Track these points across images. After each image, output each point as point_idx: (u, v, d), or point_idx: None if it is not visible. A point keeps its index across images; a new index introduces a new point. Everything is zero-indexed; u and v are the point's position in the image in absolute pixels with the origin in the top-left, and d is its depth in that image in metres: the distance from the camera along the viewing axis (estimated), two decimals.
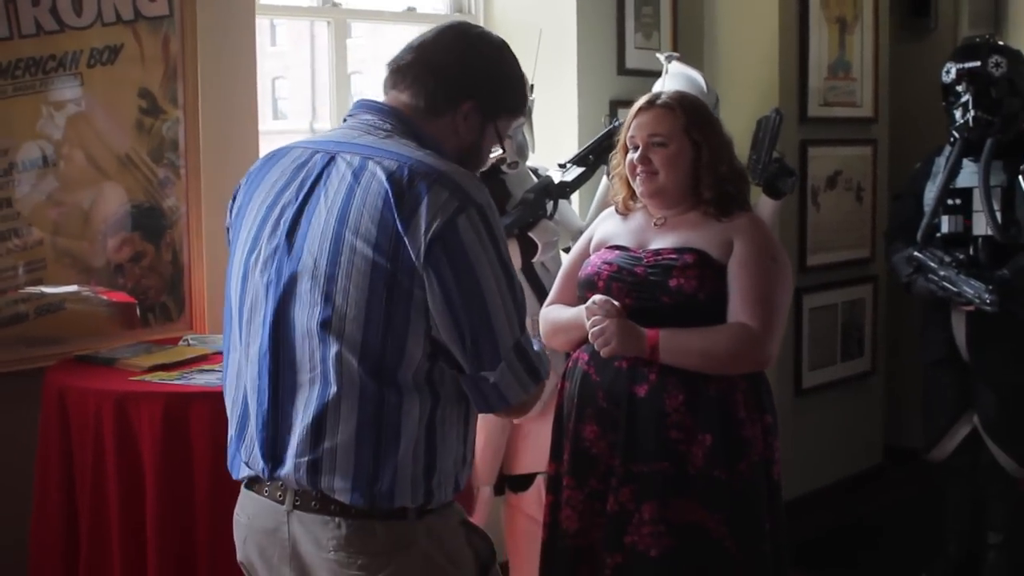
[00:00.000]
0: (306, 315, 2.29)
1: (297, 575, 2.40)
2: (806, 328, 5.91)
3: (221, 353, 3.52)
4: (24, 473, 3.58)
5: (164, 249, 4.05)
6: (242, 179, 2.55)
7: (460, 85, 2.43)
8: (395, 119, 2.41)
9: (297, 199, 2.34)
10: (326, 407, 2.27)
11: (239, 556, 2.56)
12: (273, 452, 2.36)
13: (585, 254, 3.46)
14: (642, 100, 3.40)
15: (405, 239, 2.21)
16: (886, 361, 6.53)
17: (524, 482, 4.32)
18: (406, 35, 6.61)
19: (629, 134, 3.36)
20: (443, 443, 2.34)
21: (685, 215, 3.33)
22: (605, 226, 3.48)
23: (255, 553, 2.50)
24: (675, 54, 5.06)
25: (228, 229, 2.56)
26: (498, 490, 4.37)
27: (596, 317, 3.20)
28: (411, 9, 5.43)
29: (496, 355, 2.30)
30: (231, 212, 2.55)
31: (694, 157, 3.29)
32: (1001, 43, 4.95)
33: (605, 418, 3.25)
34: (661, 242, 3.30)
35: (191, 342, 3.83)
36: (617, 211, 3.46)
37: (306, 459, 2.30)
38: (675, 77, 4.74)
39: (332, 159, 2.34)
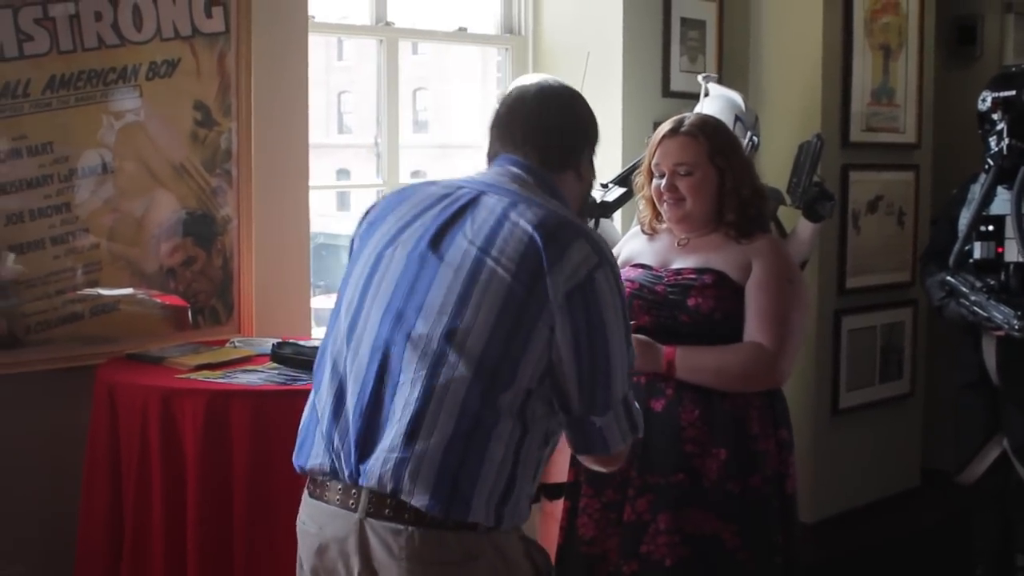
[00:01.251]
0: (431, 321, 2.38)
1: None
2: (844, 349, 6.00)
3: (265, 355, 3.72)
4: (74, 466, 3.76)
5: (215, 255, 4.23)
6: (379, 200, 2.68)
7: (579, 140, 2.65)
8: (533, 174, 2.57)
9: (443, 216, 2.47)
10: (426, 410, 2.35)
11: (307, 566, 2.57)
12: (364, 444, 2.40)
13: None
14: (666, 127, 3.45)
15: (548, 277, 2.35)
16: (925, 384, 6.58)
17: (559, 490, 4.44)
18: (467, 55, 6.80)
19: (655, 161, 3.42)
20: (522, 475, 2.43)
21: (707, 236, 3.39)
22: (632, 244, 3.58)
23: (327, 562, 2.51)
24: (713, 75, 5.19)
25: (352, 241, 2.66)
26: (534, 498, 4.49)
27: None
28: (462, 29, 5.59)
29: (608, 402, 2.45)
30: (360, 225, 2.65)
31: (719, 183, 3.36)
32: None
33: None
34: (682, 262, 3.39)
35: (237, 344, 4.00)
36: (643, 231, 3.56)
37: (396, 455, 2.35)
38: (715, 99, 4.87)
39: (480, 195, 2.50)
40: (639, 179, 3.53)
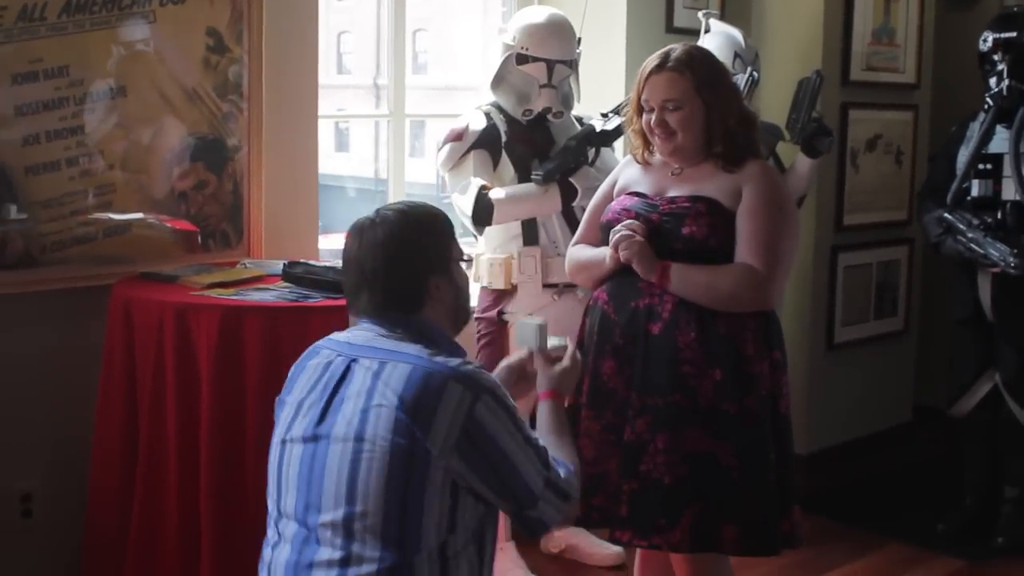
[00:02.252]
0: (331, 510, 2.54)
1: None
2: (840, 285, 6.06)
3: (275, 276, 3.80)
4: (90, 382, 3.87)
5: (226, 180, 4.31)
6: (302, 356, 2.81)
7: (419, 275, 2.71)
8: (396, 327, 2.68)
9: (322, 399, 2.62)
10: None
11: None
12: None
13: (608, 198, 3.61)
14: (653, 61, 3.46)
15: (426, 443, 2.49)
16: (919, 322, 6.65)
17: None
18: None
19: (644, 96, 3.45)
20: None
21: (699, 166, 3.45)
22: (627, 172, 3.63)
23: None
24: (714, 12, 5.26)
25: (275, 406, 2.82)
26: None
27: (625, 232, 3.36)
28: None
29: (532, 496, 2.62)
30: (278, 399, 2.81)
31: (706, 114, 3.40)
32: None
33: (622, 354, 3.38)
34: (677, 190, 3.44)
35: (248, 265, 4.09)
36: (636, 161, 3.60)
37: None
38: (715, 35, 4.94)
39: (351, 364, 2.63)
40: (628, 112, 3.57)
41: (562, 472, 2.71)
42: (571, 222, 4.47)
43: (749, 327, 3.36)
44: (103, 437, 3.75)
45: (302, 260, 3.92)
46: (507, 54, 4.54)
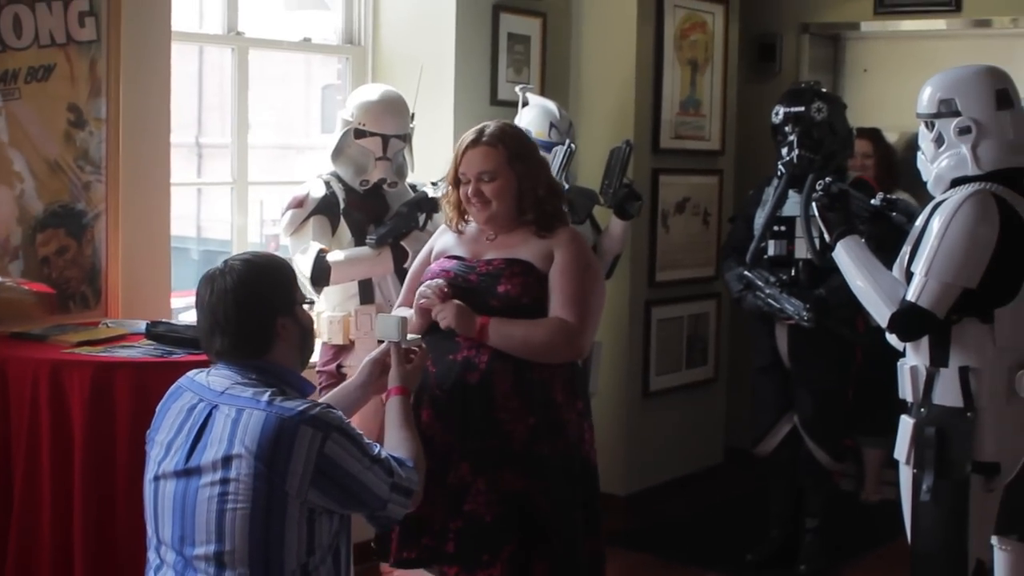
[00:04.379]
0: (203, 545, 2.87)
1: None
2: (654, 337, 6.51)
3: (138, 334, 4.10)
4: None
5: (85, 244, 4.57)
6: (168, 392, 3.13)
7: (263, 320, 3.02)
8: (250, 371, 3.00)
9: (188, 442, 2.94)
10: None
11: None
12: None
13: (426, 263, 3.86)
14: (469, 137, 3.72)
15: (284, 484, 2.84)
16: (728, 370, 7.09)
17: None
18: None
19: (461, 169, 3.70)
20: None
21: (512, 232, 3.72)
22: (443, 240, 3.89)
23: None
24: (530, 86, 5.67)
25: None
26: None
27: (427, 300, 3.62)
28: (307, 39, 5.98)
29: (381, 502, 2.99)
30: (148, 436, 3.11)
31: (518, 184, 3.67)
32: (824, 90, 5.52)
33: (438, 403, 3.59)
34: (493, 254, 3.69)
35: (109, 325, 4.36)
36: (451, 230, 3.86)
37: None
38: (532, 107, 5.36)
39: (213, 411, 2.94)
40: (444, 186, 3.84)
41: (404, 472, 3.06)
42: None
43: (559, 376, 3.64)
44: None
45: (163, 320, 4.22)
46: (346, 128, 4.88)
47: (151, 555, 3.03)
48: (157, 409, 3.10)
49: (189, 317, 4.97)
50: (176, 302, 5.07)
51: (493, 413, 3.56)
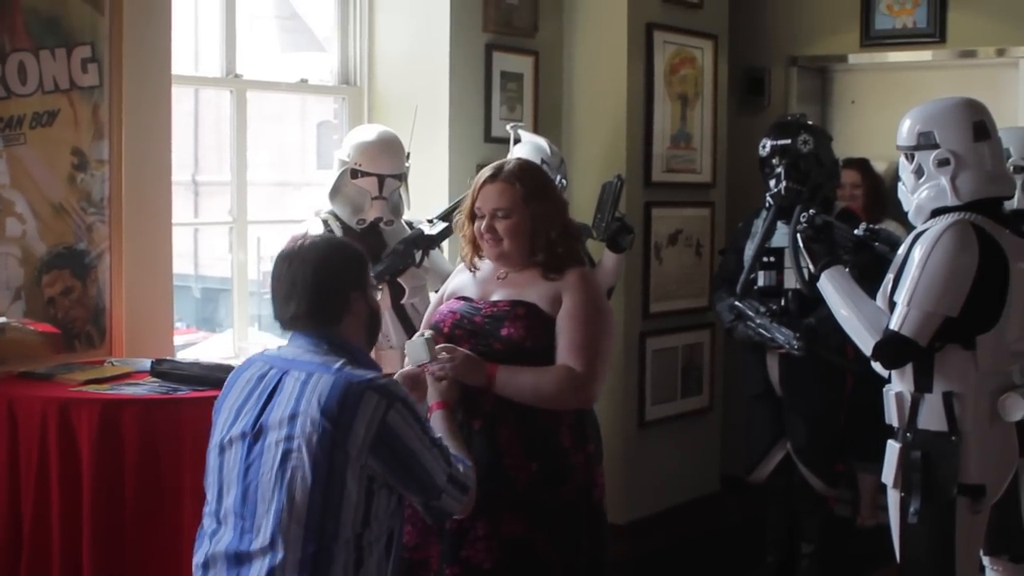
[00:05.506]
0: (266, 498, 2.98)
1: None
2: (649, 367, 6.58)
3: (143, 372, 4.20)
4: None
5: (90, 285, 4.68)
6: (231, 373, 3.26)
7: (338, 293, 3.16)
8: (320, 340, 3.12)
9: (258, 406, 3.07)
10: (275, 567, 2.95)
11: None
12: None
13: (440, 302, 3.87)
14: (487, 172, 3.71)
15: (346, 445, 2.94)
16: (723, 399, 7.16)
17: None
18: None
19: (477, 204, 3.68)
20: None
21: (522, 272, 3.66)
22: (459, 279, 3.88)
23: None
24: (522, 124, 5.77)
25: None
26: None
27: (440, 368, 3.56)
28: (304, 80, 6.10)
29: (436, 490, 3.08)
30: (215, 405, 3.24)
31: (532, 226, 3.63)
32: (810, 122, 5.64)
33: None
34: (500, 295, 3.66)
35: (114, 363, 4.47)
36: (467, 267, 3.85)
37: None
38: (525, 144, 5.45)
39: (283, 376, 3.07)
40: (461, 219, 3.77)
41: (461, 467, 3.17)
42: (401, 318, 4.94)
43: (566, 422, 3.60)
44: None
45: (167, 358, 4.33)
46: (342, 169, 4.98)
47: (207, 521, 3.14)
48: (227, 380, 3.23)
49: (191, 354, 5.09)
50: (177, 339, 5.17)
51: (496, 458, 3.53)
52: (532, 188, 3.67)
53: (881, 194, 6.63)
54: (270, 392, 3.06)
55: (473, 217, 3.71)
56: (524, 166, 3.77)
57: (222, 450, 3.11)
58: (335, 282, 3.14)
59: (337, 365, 3.04)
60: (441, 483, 3.09)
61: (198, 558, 3.12)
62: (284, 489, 2.96)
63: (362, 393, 2.98)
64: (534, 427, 3.55)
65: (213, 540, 3.08)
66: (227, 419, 3.13)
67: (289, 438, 2.97)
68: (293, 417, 2.98)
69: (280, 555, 2.95)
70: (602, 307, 3.68)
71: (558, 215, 3.73)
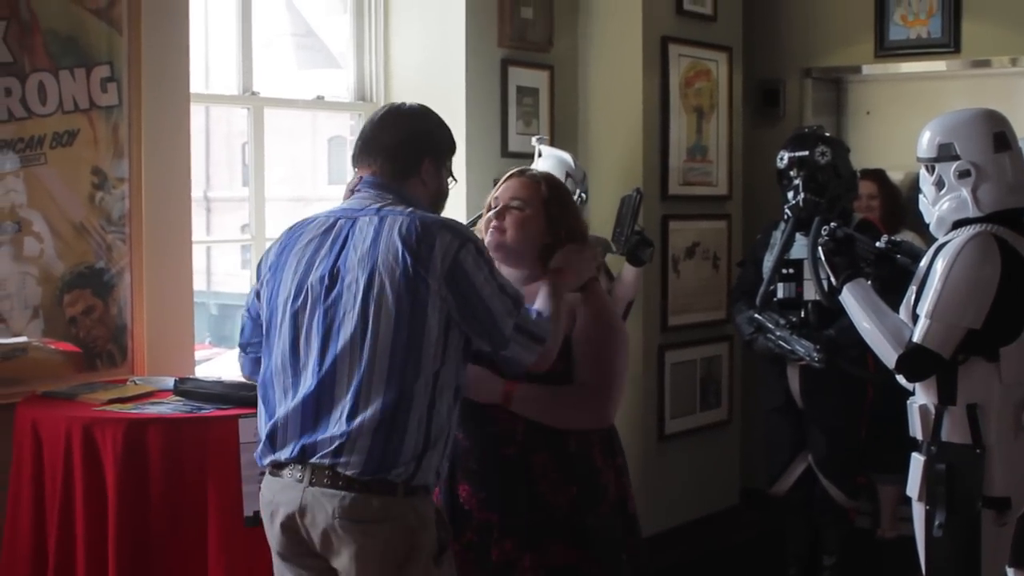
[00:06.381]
0: (348, 335, 3.05)
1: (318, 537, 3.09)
2: (668, 381, 6.60)
3: (166, 391, 4.20)
4: None
5: (111, 304, 4.69)
6: (282, 234, 3.32)
7: (414, 152, 3.26)
8: (386, 188, 3.23)
9: (332, 253, 3.14)
10: (357, 405, 3.02)
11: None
12: (311, 431, 3.07)
13: None
14: (515, 170, 3.65)
15: (425, 275, 3.02)
16: (742, 411, 7.17)
17: None
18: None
19: (496, 195, 3.57)
20: (435, 432, 3.09)
21: (536, 284, 3.45)
22: None
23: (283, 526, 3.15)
24: (545, 138, 5.77)
25: (259, 266, 3.34)
26: None
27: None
28: (320, 97, 6.12)
29: (503, 338, 3.12)
30: (268, 257, 3.31)
31: (548, 230, 3.50)
32: (827, 134, 5.64)
33: (475, 478, 3.46)
34: None
35: (136, 382, 4.47)
36: None
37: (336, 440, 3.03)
38: (547, 158, 5.44)
39: (355, 221, 3.15)
40: (482, 224, 3.60)
41: (533, 318, 3.20)
42: None
43: (595, 442, 3.52)
44: (12, 545, 4.07)
45: (190, 376, 4.34)
46: (350, 187, 4.99)
47: (274, 387, 3.18)
48: (285, 237, 3.29)
49: (208, 369, 5.10)
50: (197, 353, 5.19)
51: (533, 486, 3.44)
52: (556, 196, 3.58)
53: (898, 204, 6.62)
54: (344, 239, 3.13)
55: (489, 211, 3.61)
56: (554, 177, 3.72)
57: (294, 300, 3.15)
58: (414, 141, 3.26)
59: (408, 209, 3.14)
60: (507, 331, 3.12)
61: (262, 432, 3.19)
62: (369, 325, 3.03)
63: (437, 229, 3.08)
64: (568, 451, 3.47)
65: (286, 399, 3.13)
66: (296, 270, 3.18)
67: (371, 275, 3.05)
68: (373, 255, 3.06)
69: (363, 393, 3.02)
70: (616, 323, 3.62)
71: (578, 228, 3.61)
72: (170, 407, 4.03)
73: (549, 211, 3.51)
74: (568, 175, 5.35)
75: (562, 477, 3.43)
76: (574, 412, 3.47)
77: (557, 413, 3.45)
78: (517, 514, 3.40)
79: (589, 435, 3.51)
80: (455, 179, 3.43)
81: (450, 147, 3.39)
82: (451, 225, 3.12)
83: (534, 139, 5.65)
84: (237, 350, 3.52)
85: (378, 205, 3.17)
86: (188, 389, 4.14)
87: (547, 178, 3.61)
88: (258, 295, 3.32)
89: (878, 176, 6.62)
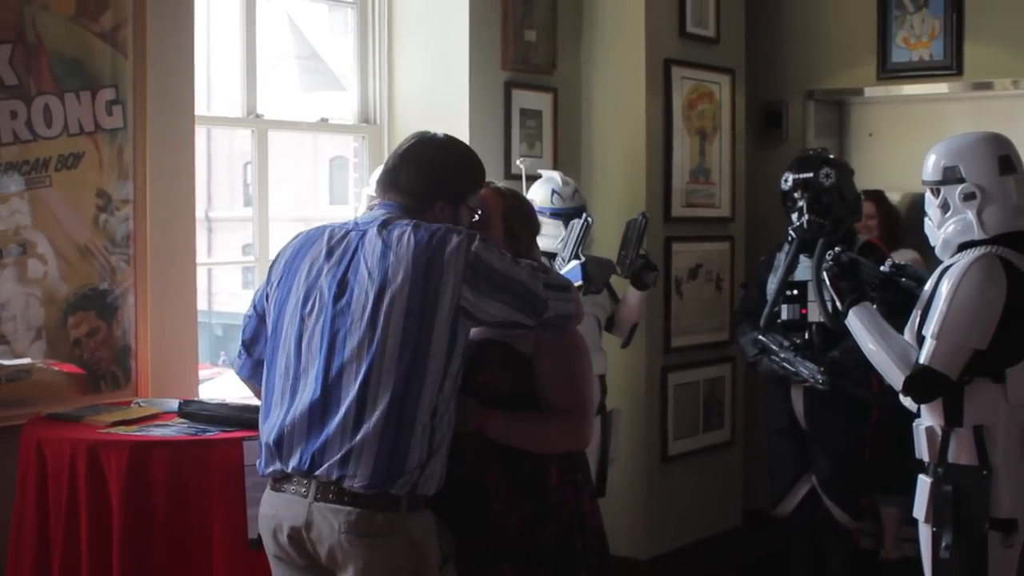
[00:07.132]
0: (355, 343, 3.10)
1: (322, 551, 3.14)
2: (671, 402, 6.59)
3: (170, 413, 4.21)
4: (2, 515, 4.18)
5: (115, 326, 4.70)
6: (296, 239, 3.39)
7: (428, 195, 3.31)
8: (402, 211, 3.29)
9: (342, 263, 3.20)
10: (362, 417, 3.07)
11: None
12: (314, 447, 3.11)
13: None
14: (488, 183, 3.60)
15: (442, 276, 3.11)
16: (744, 432, 7.16)
17: None
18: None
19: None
20: (438, 441, 3.15)
21: None
22: None
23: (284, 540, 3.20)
24: (525, 159, 5.85)
25: (271, 269, 3.39)
26: None
27: None
28: (324, 119, 6.13)
29: (541, 300, 3.21)
30: (279, 260, 3.37)
31: (506, 243, 3.46)
32: (832, 156, 5.63)
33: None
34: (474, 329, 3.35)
35: (140, 404, 4.47)
36: None
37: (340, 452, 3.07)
38: (539, 181, 5.51)
39: (366, 232, 3.22)
40: None
41: (552, 273, 3.35)
42: None
43: (553, 459, 3.44)
44: (17, 568, 4.06)
45: (194, 399, 4.33)
46: (370, 205, 5.00)
47: (278, 393, 3.23)
48: (297, 243, 3.35)
49: (211, 389, 5.10)
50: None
51: (487, 506, 3.36)
52: (517, 207, 3.61)
53: (896, 224, 6.66)
54: (354, 249, 3.20)
55: None
56: (516, 191, 3.77)
57: (303, 305, 3.22)
58: (432, 183, 3.31)
59: (414, 223, 3.21)
60: (540, 291, 3.21)
61: (269, 438, 3.20)
62: (377, 334, 3.09)
63: (446, 234, 3.17)
64: (523, 470, 3.39)
65: (292, 404, 3.17)
66: (307, 276, 3.24)
67: (381, 285, 3.11)
68: (383, 266, 3.13)
69: (370, 401, 3.08)
70: (579, 344, 3.50)
71: (533, 248, 3.62)
72: (174, 429, 4.03)
73: (508, 224, 3.55)
74: (554, 191, 5.39)
75: (516, 496, 3.37)
76: (557, 441, 3.44)
77: (539, 442, 3.42)
78: (467, 536, 3.34)
79: (547, 455, 3.44)
80: (478, 214, 3.44)
81: (470, 186, 3.40)
82: (453, 227, 3.20)
83: (518, 160, 5.68)
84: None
85: (388, 219, 3.23)
86: (192, 411, 4.14)
87: (510, 191, 3.69)
88: (267, 297, 3.37)
89: (877, 197, 6.64)
